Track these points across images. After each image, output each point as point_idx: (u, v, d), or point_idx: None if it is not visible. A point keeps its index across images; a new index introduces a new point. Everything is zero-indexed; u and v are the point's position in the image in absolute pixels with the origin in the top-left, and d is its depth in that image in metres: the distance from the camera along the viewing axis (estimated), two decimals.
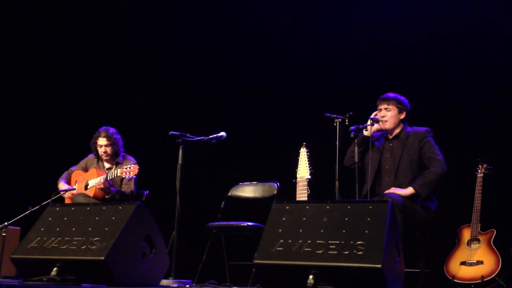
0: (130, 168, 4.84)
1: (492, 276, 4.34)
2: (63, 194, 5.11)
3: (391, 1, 5.93)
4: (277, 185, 5.06)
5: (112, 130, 5.22)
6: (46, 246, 3.27)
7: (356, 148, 4.20)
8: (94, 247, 3.14)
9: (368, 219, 2.87)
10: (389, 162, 4.33)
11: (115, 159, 5.24)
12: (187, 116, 6.29)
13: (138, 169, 4.82)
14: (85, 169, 5.30)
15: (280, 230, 2.97)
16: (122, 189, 5.09)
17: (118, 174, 4.88)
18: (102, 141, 5.16)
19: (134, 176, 4.93)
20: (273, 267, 2.86)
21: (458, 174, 4.74)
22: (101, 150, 5.17)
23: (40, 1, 6.81)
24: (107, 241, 3.14)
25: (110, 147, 5.16)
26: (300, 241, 2.88)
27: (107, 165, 5.25)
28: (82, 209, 3.47)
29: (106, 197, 5.00)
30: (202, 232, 4.90)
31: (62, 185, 5.23)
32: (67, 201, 5.19)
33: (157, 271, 3.49)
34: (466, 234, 4.62)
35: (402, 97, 4.39)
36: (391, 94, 4.40)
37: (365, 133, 4.30)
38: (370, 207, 2.93)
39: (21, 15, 6.88)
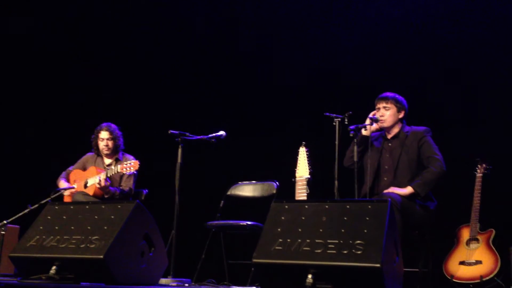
0: (130, 164, 4.83)
1: (491, 276, 4.34)
2: (63, 192, 5.10)
3: (391, 0, 5.94)
4: (276, 184, 5.05)
5: (114, 126, 5.26)
6: (45, 244, 3.27)
7: (355, 148, 4.20)
8: (93, 245, 3.14)
9: (367, 218, 2.87)
10: (388, 162, 4.33)
11: (115, 155, 5.24)
12: (187, 115, 6.29)
13: (138, 164, 4.81)
14: (84, 168, 5.29)
15: (279, 229, 2.97)
16: (121, 187, 5.09)
17: (119, 170, 4.88)
18: (104, 134, 5.17)
19: (135, 172, 4.92)
20: (272, 266, 2.86)
21: (457, 174, 4.74)
22: (102, 144, 5.18)
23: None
24: (106, 240, 3.14)
25: (112, 141, 5.18)
26: (299, 240, 2.88)
27: (107, 161, 5.24)
28: (81, 207, 3.47)
29: (106, 196, 5.00)
30: (201, 231, 4.90)
31: (62, 184, 5.21)
32: (66, 198, 5.18)
33: (156, 270, 3.49)
34: (465, 233, 4.62)
35: (400, 97, 4.40)
36: (389, 94, 4.40)
37: (364, 132, 4.30)
38: (369, 206, 2.93)
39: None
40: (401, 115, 4.37)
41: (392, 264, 2.91)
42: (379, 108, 4.37)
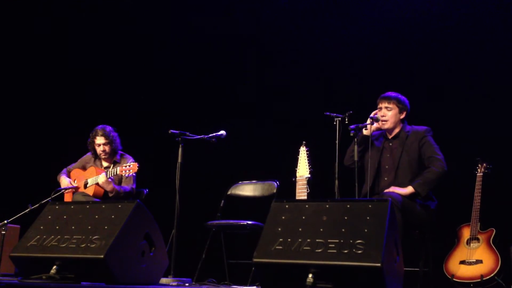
0: (129, 166, 4.82)
1: (492, 275, 4.34)
2: (64, 191, 5.08)
3: (391, 0, 5.94)
4: (277, 183, 5.06)
5: (109, 128, 5.19)
6: (45, 244, 3.27)
7: (355, 147, 4.20)
8: (93, 245, 3.14)
9: (368, 218, 2.87)
10: (388, 161, 4.32)
11: (113, 157, 5.22)
12: (187, 114, 6.29)
13: (138, 166, 4.81)
14: (84, 168, 5.28)
15: (279, 229, 2.97)
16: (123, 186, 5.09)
17: (118, 173, 4.87)
18: (100, 140, 5.13)
19: (133, 174, 4.91)
20: (272, 265, 2.86)
21: (458, 173, 4.74)
22: (99, 149, 5.15)
23: None
24: (107, 240, 3.14)
25: (108, 146, 5.14)
26: (300, 239, 2.88)
27: (105, 163, 5.23)
28: (82, 207, 3.47)
29: (110, 195, 4.98)
30: (202, 231, 4.89)
31: (64, 179, 5.19)
32: (66, 197, 5.17)
33: (156, 270, 3.49)
34: (466, 233, 4.62)
35: (403, 97, 4.39)
36: (392, 93, 4.39)
37: (365, 132, 4.29)
38: (370, 206, 2.93)
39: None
40: (402, 116, 4.37)
41: (393, 263, 2.91)
42: (381, 108, 4.36)
